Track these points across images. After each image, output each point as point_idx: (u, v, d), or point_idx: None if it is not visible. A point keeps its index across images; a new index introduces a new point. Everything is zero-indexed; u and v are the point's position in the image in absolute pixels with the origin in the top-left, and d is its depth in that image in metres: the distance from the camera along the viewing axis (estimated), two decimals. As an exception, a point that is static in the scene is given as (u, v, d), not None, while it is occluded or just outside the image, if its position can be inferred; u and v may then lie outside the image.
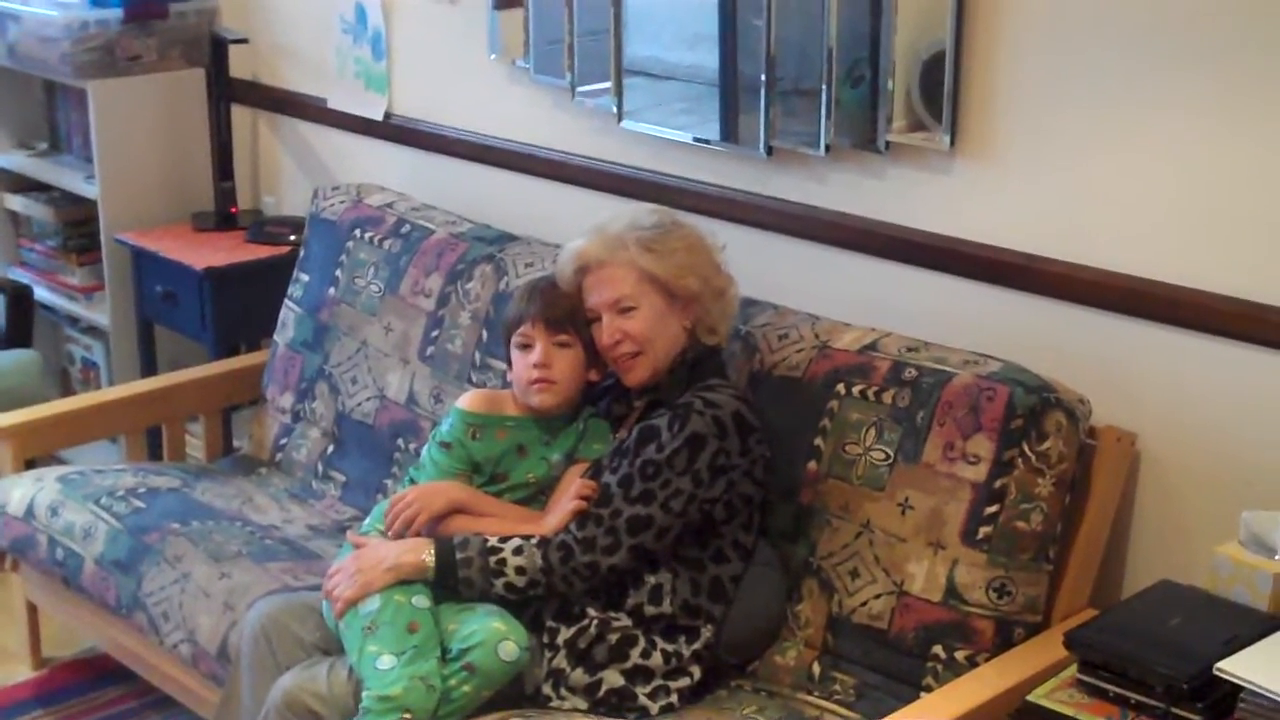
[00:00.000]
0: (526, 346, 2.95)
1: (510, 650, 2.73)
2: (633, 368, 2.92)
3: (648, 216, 2.97)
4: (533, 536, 2.82)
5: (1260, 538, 2.55)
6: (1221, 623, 2.45)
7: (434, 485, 2.97)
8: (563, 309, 2.94)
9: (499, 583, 2.79)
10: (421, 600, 2.81)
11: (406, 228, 3.84)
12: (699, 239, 2.99)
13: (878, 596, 2.85)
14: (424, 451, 3.06)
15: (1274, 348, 2.67)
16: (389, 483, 3.63)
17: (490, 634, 2.73)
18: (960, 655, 2.75)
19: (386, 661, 2.73)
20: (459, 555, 2.81)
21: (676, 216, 3.02)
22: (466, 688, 2.72)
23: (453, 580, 2.81)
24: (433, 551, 2.83)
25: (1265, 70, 2.61)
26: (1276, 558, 2.52)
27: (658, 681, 2.81)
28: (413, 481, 3.03)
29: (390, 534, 2.94)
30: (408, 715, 2.68)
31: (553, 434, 2.99)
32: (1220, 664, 2.29)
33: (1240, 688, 2.27)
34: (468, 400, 3.04)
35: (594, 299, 2.93)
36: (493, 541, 2.82)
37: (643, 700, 2.79)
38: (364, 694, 2.72)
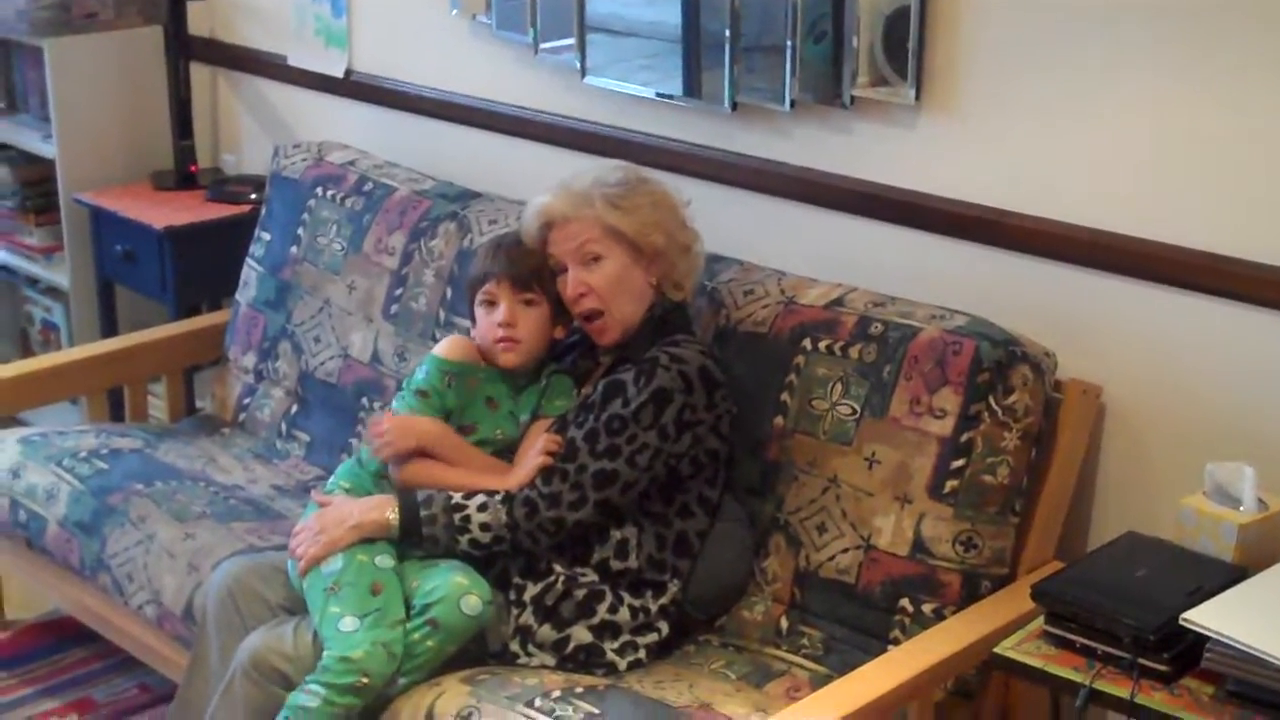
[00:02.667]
0: (491, 304, 2.94)
1: (473, 604, 2.73)
2: (602, 331, 2.92)
3: (613, 173, 2.96)
4: (497, 492, 2.81)
5: (1225, 489, 2.56)
6: (1187, 574, 2.46)
7: (410, 421, 2.93)
8: (528, 266, 2.93)
9: (464, 539, 2.79)
10: (385, 560, 2.81)
11: (369, 185, 3.82)
12: (665, 195, 2.98)
13: (845, 551, 2.86)
14: (396, 399, 3.03)
15: (1238, 300, 2.68)
16: (353, 442, 3.61)
17: (453, 588, 2.73)
18: (927, 608, 2.76)
19: (349, 623, 2.72)
20: (423, 512, 2.80)
21: (641, 173, 3.01)
22: (430, 643, 2.72)
23: (417, 538, 2.81)
24: (396, 509, 2.82)
25: (1230, 26, 2.61)
26: (1241, 509, 2.53)
27: (625, 637, 2.81)
28: None
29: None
30: (365, 679, 2.67)
31: (518, 390, 2.98)
32: (1186, 614, 2.30)
33: (1206, 638, 2.28)
34: (446, 348, 3.00)
35: (558, 250, 2.92)
36: (457, 498, 2.81)
37: (611, 656, 2.79)
38: (325, 653, 2.72)
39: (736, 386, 2.94)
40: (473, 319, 3.01)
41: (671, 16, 3.43)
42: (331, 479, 3.05)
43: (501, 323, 2.92)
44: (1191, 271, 2.72)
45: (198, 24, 4.52)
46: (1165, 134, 2.72)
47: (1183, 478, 2.71)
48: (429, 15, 3.96)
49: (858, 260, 3.17)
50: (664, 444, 2.80)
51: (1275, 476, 2.58)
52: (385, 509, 2.83)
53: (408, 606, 2.77)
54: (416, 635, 2.73)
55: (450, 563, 2.80)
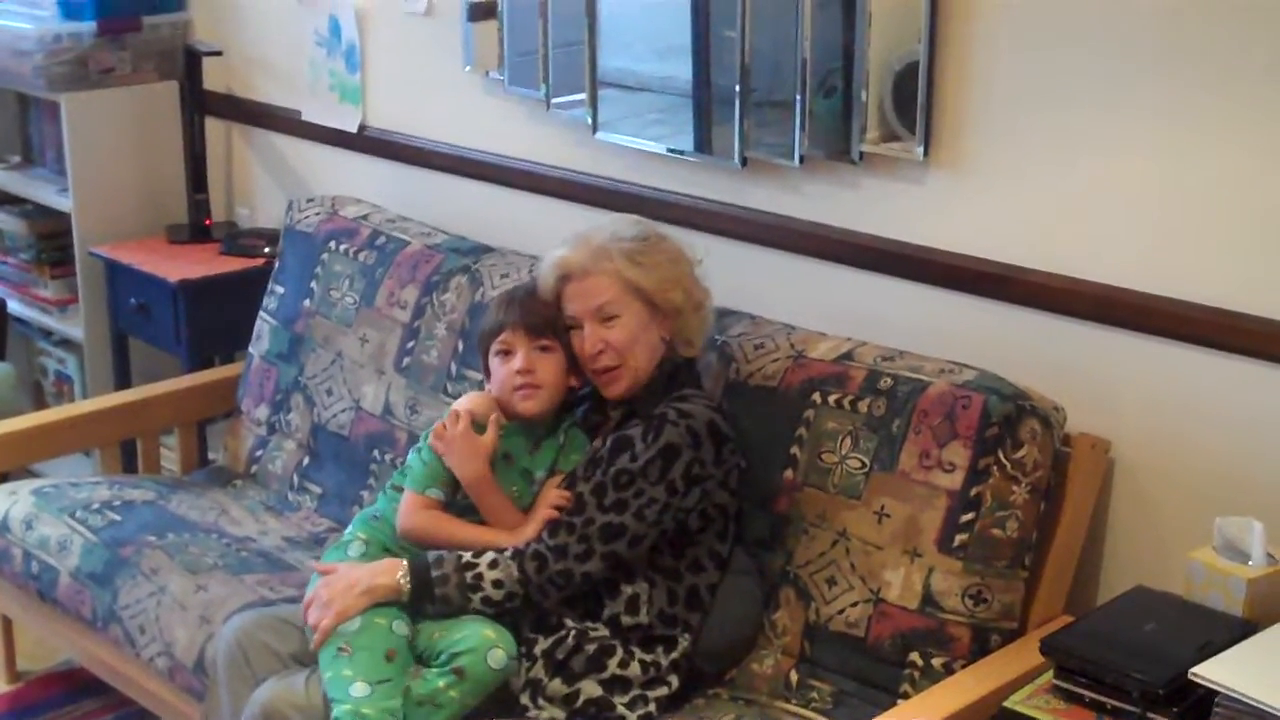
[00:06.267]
0: (507, 354, 2.94)
1: (499, 658, 2.73)
2: (613, 381, 2.92)
3: (629, 227, 2.98)
4: (506, 549, 2.82)
5: (1234, 543, 2.56)
6: (1196, 628, 2.46)
7: (475, 451, 2.90)
8: (542, 315, 2.94)
9: (476, 597, 2.78)
10: (401, 627, 2.80)
11: (381, 239, 3.84)
12: (680, 252, 2.99)
13: (854, 604, 2.86)
14: (411, 455, 3.01)
15: (1247, 355, 2.69)
16: (365, 494, 3.62)
17: (480, 640, 2.73)
18: (937, 662, 2.76)
19: (361, 689, 2.71)
20: (435, 573, 2.80)
21: (657, 228, 3.03)
22: (454, 693, 2.72)
23: (429, 599, 2.80)
24: (406, 571, 2.81)
25: (1236, 78, 2.63)
26: (1250, 563, 2.54)
27: (635, 691, 2.81)
28: (396, 489, 3.00)
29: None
30: None
31: (535, 443, 2.98)
32: (1195, 669, 2.30)
33: (1215, 693, 2.28)
34: (473, 404, 2.99)
35: (575, 307, 2.92)
36: (468, 557, 2.81)
37: (621, 710, 2.79)
38: (336, 705, 2.71)
39: (746, 440, 2.94)
40: (486, 373, 3.01)
41: (683, 72, 3.45)
42: (348, 529, 3.05)
43: (520, 370, 2.92)
44: (1200, 327, 2.73)
45: (213, 79, 4.56)
46: (1173, 190, 2.74)
47: (1191, 532, 2.71)
48: (442, 71, 4.00)
49: (867, 314, 3.19)
50: (672, 499, 2.80)
51: (1284, 531, 2.59)
52: (394, 572, 2.82)
53: (426, 658, 2.77)
54: (441, 683, 2.72)
55: (476, 616, 2.79)
